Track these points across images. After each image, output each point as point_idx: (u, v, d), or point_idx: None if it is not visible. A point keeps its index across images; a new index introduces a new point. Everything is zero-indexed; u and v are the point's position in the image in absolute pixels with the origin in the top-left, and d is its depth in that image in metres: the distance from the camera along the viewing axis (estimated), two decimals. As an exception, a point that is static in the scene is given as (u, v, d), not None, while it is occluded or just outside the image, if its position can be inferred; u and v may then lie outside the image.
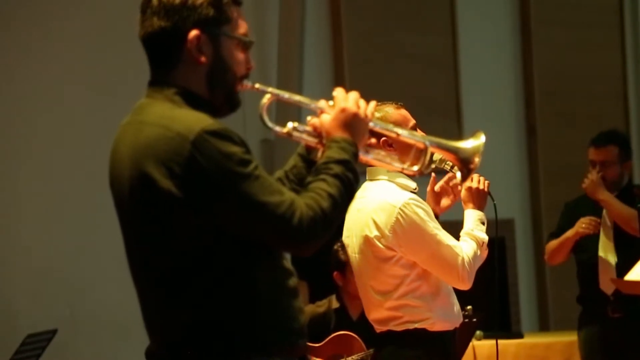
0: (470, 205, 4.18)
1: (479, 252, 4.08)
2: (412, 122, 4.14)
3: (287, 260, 2.67)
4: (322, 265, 5.58)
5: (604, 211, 6.17)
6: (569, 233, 6.15)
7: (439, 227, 4.06)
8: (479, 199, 4.19)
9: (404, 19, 7.95)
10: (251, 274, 2.56)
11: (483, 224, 4.16)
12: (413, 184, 4.14)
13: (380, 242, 4.02)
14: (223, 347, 2.55)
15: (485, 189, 4.21)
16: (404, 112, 4.13)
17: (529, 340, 7.00)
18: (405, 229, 3.99)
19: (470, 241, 4.09)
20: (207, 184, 2.49)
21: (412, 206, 4.00)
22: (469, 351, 6.09)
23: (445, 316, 4.07)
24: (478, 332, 6.49)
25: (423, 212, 4.01)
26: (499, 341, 5.76)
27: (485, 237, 4.12)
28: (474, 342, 6.36)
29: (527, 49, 8.44)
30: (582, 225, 6.10)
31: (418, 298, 4.04)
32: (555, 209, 6.64)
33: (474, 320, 5.22)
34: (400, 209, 3.99)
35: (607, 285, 5.98)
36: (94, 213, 6.18)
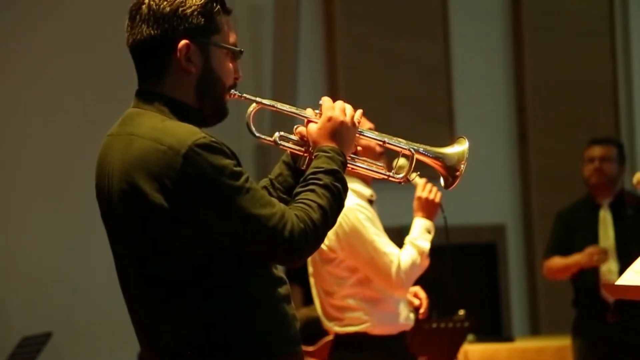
0: (420, 214, 4.24)
1: (418, 261, 4.13)
2: None
3: (278, 269, 2.66)
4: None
5: (600, 215, 6.22)
6: (580, 259, 6.11)
7: (380, 234, 4.15)
8: (429, 208, 4.23)
9: (398, 26, 7.98)
10: (245, 284, 2.54)
11: (429, 232, 4.21)
12: (368, 192, 4.24)
13: (323, 244, 4.10)
14: (220, 358, 2.53)
15: (437, 200, 4.24)
16: None
17: (520, 344, 7.05)
18: (346, 232, 4.10)
19: (411, 249, 4.15)
20: (199, 198, 2.46)
21: (355, 212, 4.12)
22: (461, 355, 6.13)
23: (386, 321, 4.15)
24: (470, 336, 6.53)
25: (365, 218, 4.12)
26: (491, 345, 5.81)
27: (427, 246, 4.17)
28: (466, 346, 6.41)
29: (519, 56, 8.48)
30: (595, 257, 6.05)
31: (359, 301, 4.13)
32: (547, 214, 6.67)
33: (466, 324, 5.25)
34: (344, 213, 3.99)
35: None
36: (90, 216, 6.17)
